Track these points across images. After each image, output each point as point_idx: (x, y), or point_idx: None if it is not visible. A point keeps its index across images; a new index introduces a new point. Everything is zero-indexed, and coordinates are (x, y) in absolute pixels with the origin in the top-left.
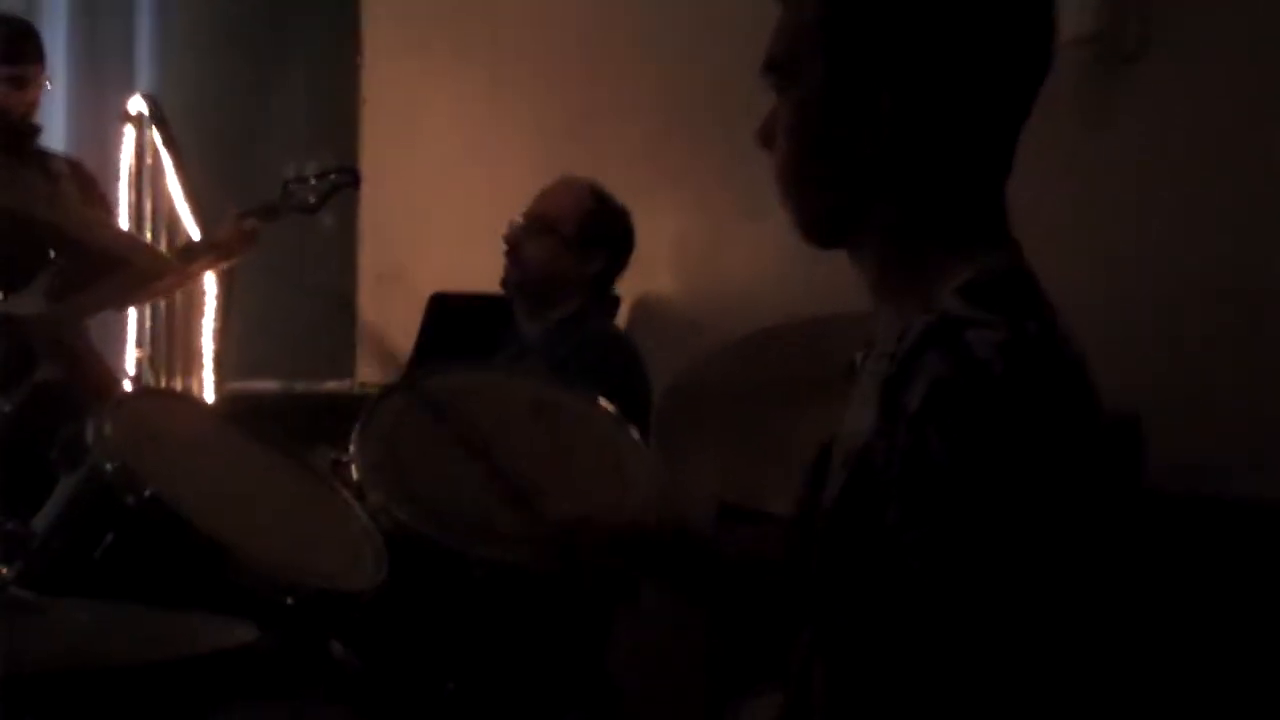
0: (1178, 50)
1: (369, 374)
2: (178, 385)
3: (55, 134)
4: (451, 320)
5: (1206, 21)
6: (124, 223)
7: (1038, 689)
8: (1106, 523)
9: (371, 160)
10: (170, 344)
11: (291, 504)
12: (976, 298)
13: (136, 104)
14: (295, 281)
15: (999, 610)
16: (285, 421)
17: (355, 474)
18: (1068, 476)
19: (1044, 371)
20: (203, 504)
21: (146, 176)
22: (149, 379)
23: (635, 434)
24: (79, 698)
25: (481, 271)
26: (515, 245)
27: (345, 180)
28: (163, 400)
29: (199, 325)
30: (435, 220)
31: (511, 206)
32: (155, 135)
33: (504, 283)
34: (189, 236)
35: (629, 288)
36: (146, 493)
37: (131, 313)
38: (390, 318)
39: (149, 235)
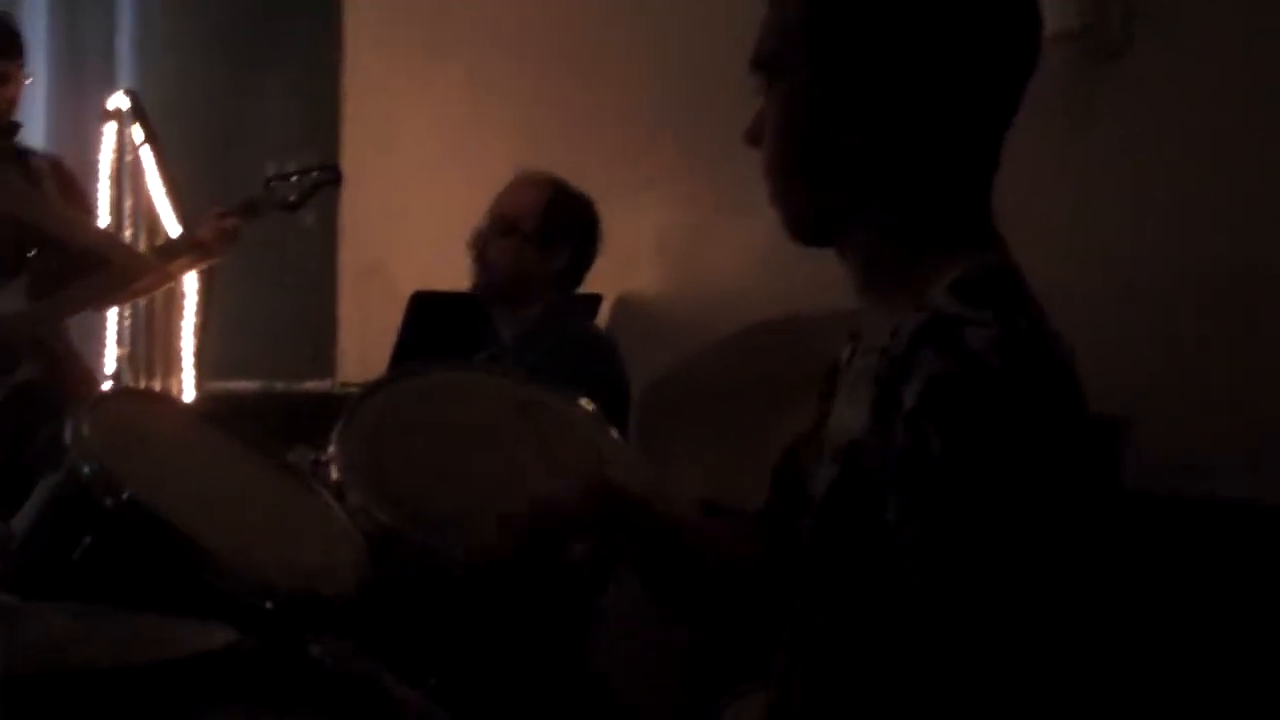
0: (1164, 45)
1: (349, 373)
2: (157, 385)
3: (35, 131)
4: (432, 319)
5: (1192, 15)
6: (104, 220)
7: (1028, 687)
8: (1093, 520)
9: (352, 158)
10: (150, 343)
11: (271, 505)
12: (967, 294)
13: (117, 101)
14: (275, 280)
15: (994, 607)
16: (265, 421)
17: (335, 474)
18: (1061, 473)
19: (1037, 368)
20: (182, 506)
21: (127, 174)
22: (129, 378)
23: (616, 434)
24: (56, 701)
25: (462, 270)
26: (480, 249)
27: (327, 178)
28: (142, 401)
29: (179, 324)
30: (416, 218)
31: None
32: (136, 132)
33: (474, 287)
34: (169, 234)
35: (610, 286)
36: (125, 494)
37: (111, 312)
38: (371, 316)
39: (129, 233)
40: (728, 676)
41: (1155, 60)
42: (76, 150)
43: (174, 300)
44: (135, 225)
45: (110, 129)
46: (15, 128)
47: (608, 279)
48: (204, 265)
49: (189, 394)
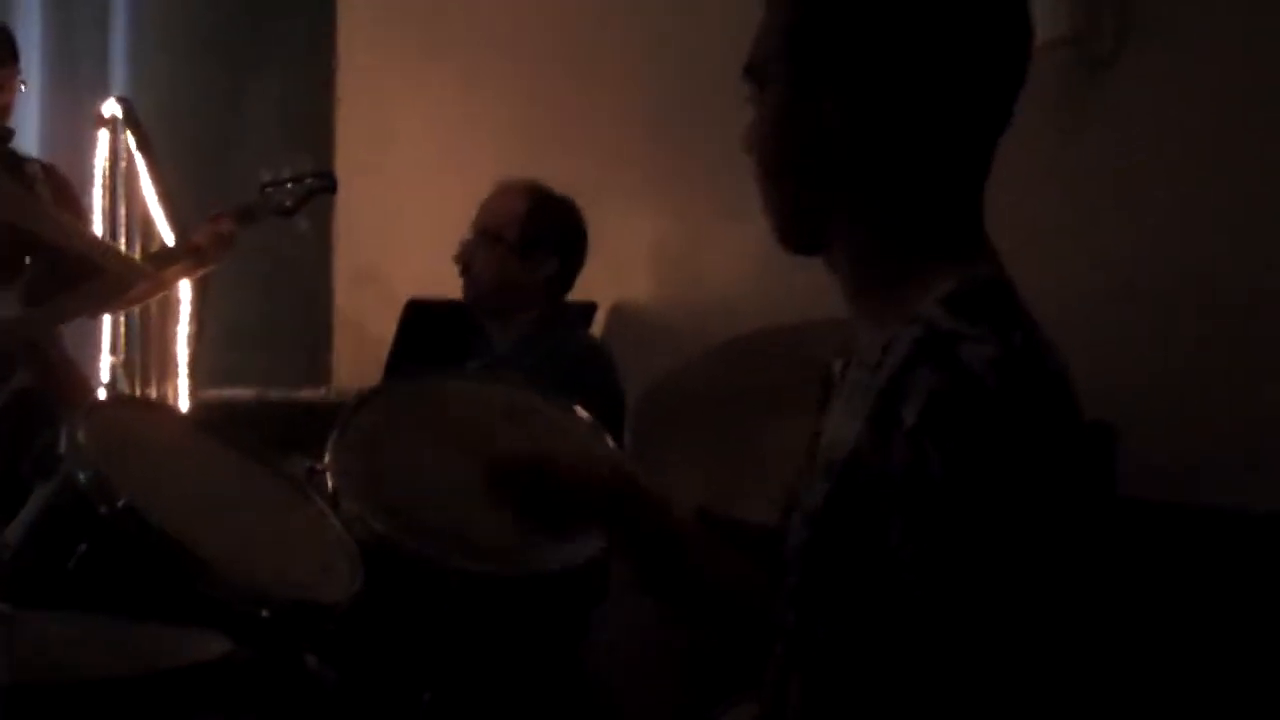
0: (1155, 52)
1: (344, 381)
2: (152, 392)
3: (29, 137)
4: (427, 326)
5: (1184, 23)
6: (98, 227)
7: (1028, 700)
8: (1090, 533)
9: (346, 164)
10: (145, 350)
11: (266, 513)
12: (960, 309)
13: (111, 107)
14: (270, 288)
15: (994, 623)
16: (260, 429)
17: (330, 483)
18: (1060, 489)
19: (1034, 385)
20: (177, 514)
21: (120, 180)
22: (124, 386)
23: (611, 442)
24: (51, 711)
25: (458, 277)
26: (467, 262)
27: (322, 184)
28: (137, 409)
29: (173, 332)
30: (411, 225)
31: None
32: (129, 139)
33: (464, 300)
34: (163, 241)
35: (606, 293)
36: (120, 503)
37: (106, 319)
38: (366, 323)
39: (123, 240)
40: (726, 681)
41: (1146, 67)
42: (70, 157)
43: (169, 307)
44: (129, 232)
45: (104, 136)
46: (9, 134)
47: (603, 286)
48: (199, 273)
49: (184, 401)
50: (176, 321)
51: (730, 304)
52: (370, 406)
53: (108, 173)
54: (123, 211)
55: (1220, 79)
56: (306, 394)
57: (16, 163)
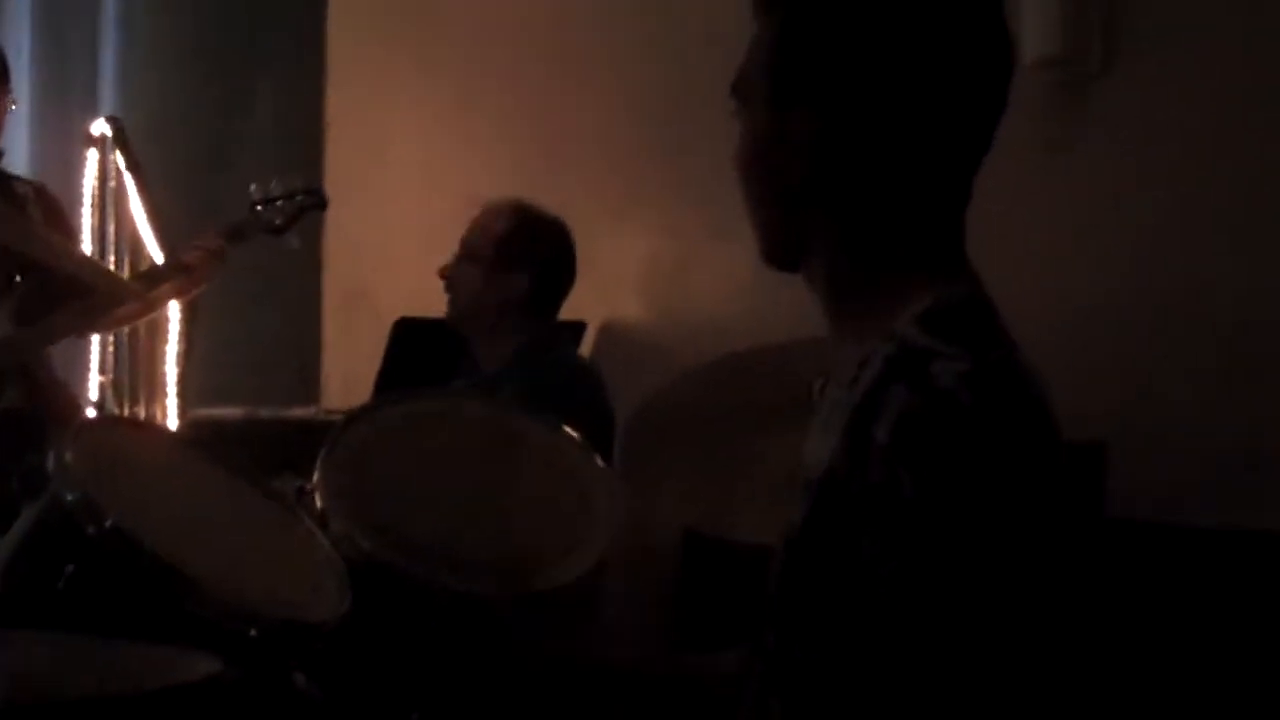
0: (1141, 70)
1: (334, 400)
2: (141, 411)
3: (18, 156)
4: (417, 345)
5: (1169, 41)
6: (87, 246)
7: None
8: (1071, 551)
9: (337, 183)
10: (134, 370)
11: (255, 533)
12: (935, 327)
13: (100, 127)
14: (259, 306)
15: (970, 644)
16: (249, 448)
17: (319, 502)
18: (1036, 507)
19: (1009, 402)
20: (165, 533)
21: (110, 200)
22: (112, 405)
23: (600, 462)
24: None
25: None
26: (449, 280)
27: (312, 202)
28: (125, 428)
29: (162, 351)
30: (401, 244)
31: None
32: (119, 158)
33: (445, 318)
34: (152, 260)
35: (595, 313)
36: (108, 522)
37: (95, 338)
38: (355, 342)
39: (112, 259)
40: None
41: (1134, 85)
42: (59, 176)
43: (158, 326)
44: (118, 251)
45: (93, 155)
46: None
47: (593, 306)
48: (189, 294)
49: (173, 420)
50: (165, 340)
51: (720, 323)
52: (359, 425)
53: (97, 192)
54: (112, 231)
55: (1206, 95)
56: (296, 413)
57: (6, 182)
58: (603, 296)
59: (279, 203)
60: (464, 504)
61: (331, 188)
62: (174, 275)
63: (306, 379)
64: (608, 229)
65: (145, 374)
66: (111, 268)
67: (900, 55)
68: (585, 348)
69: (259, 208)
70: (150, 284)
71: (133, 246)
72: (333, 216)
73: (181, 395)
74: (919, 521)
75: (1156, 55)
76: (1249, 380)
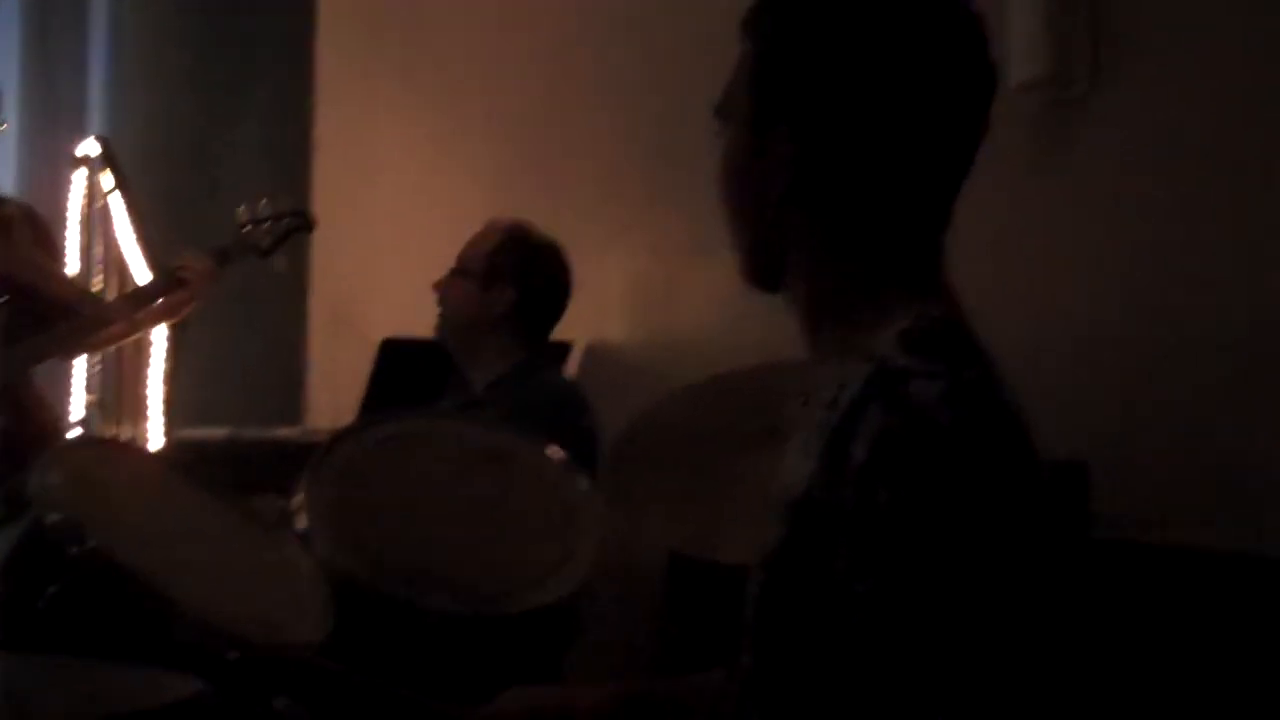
0: (1129, 93)
1: (319, 420)
2: (126, 432)
3: (5, 177)
4: (402, 366)
5: (1154, 63)
6: (73, 267)
7: None
8: (1051, 570)
9: (324, 204)
10: (119, 390)
11: (237, 554)
12: (915, 346)
13: (88, 147)
14: (245, 327)
15: (946, 662)
16: (234, 469)
17: (303, 522)
18: (1012, 525)
19: (987, 420)
20: (146, 555)
21: (96, 220)
22: (97, 426)
23: (585, 483)
24: None
25: (434, 317)
26: (440, 295)
27: (299, 224)
28: (107, 450)
29: (147, 371)
30: (387, 265)
31: None
32: (106, 179)
33: (435, 332)
34: (138, 281)
35: (581, 333)
36: (89, 544)
37: (80, 359)
38: (341, 363)
39: (99, 279)
40: None
41: (1119, 106)
42: (47, 196)
43: (143, 347)
44: (105, 271)
45: (80, 175)
46: None
47: (578, 326)
48: (177, 316)
49: (158, 441)
50: (150, 361)
51: (706, 344)
52: (344, 446)
53: (84, 213)
54: (99, 251)
55: (1193, 115)
56: (281, 433)
57: None
58: (588, 317)
59: (266, 225)
60: (448, 524)
61: (319, 209)
62: (167, 290)
63: (292, 400)
64: (594, 250)
65: (131, 394)
66: (98, 288)
67: (878, 76)
68: (571, 368)
69: (246, 229)
70: (137, 305)
71: (120, 267)
72: (320, 237)
73: (167, 415)
74: (895, 539)
75: (1143, 76)
76: (1233, 401)
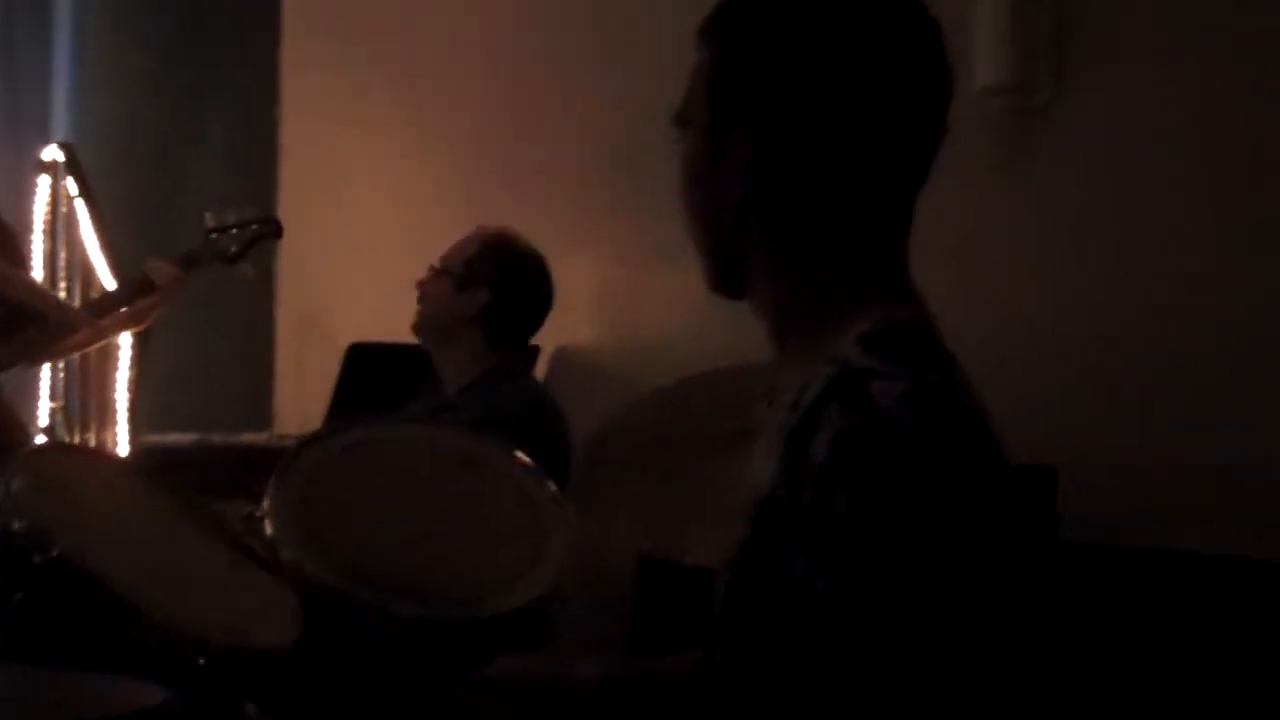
0: (1093, 98)
1: (286, 425)
2: (92, 438)
3: None
4: (370, 370)
5: (1118, 69)
6: (38, 273)
7: None
8: (1015, 572)
9: (290, 210)
10: (85, 396)
11: (204, 561)
12: (876, 347)
13: (52, 152)
14: (211, 332)
15: (905, 663)
16: (201, 474)
17: (270, 528)
18: (975, 526)
19: (948, 422)
20: (113, 562)
21: (61, 226)
22: (63, 432)
23: (554, 488)
24: None
25: (401, 322)
26: (421, 292)
27: (267, 230)
28: (73, 455)
29: (113, 377)
30: (354, 270)
31: (431, 256)
32: (71, 184)
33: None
34: (103, 287)
35: (548, 337)
36: (55, 551)
37: (45, 365)
38: (308, 368)
39: (63, 286)
40: None
41: (1085, 114)
42: (10, 202)
43: (108, 353)
44: (69, 278)
45: (44, 181)
46: None
47: (546, 331)
48: (143, 322)
49: (124, 446)
50: (116, 366)
51: (672, 347)
52: (312, 451)
53: (48, 219)
54: (64, 257)
55: (1153, 123)
56: (248, 439)
57: None
58: (556, 321)
59: (233, 231)
60: (417, 529)
61: (285, 214)
62: (127, 302)
63: (259, 405)
64: (560, 255)
65: (96, 400)
66: (63, 294)
67: (834, 81)
68: (539, 372)
69: (213, 236)
70: (102, 311)
71: (84, 273)
72: (286, 243)
73: (133, 421)
74: (853, 538)
75: (1106, 84)
76: (1201, 405)
